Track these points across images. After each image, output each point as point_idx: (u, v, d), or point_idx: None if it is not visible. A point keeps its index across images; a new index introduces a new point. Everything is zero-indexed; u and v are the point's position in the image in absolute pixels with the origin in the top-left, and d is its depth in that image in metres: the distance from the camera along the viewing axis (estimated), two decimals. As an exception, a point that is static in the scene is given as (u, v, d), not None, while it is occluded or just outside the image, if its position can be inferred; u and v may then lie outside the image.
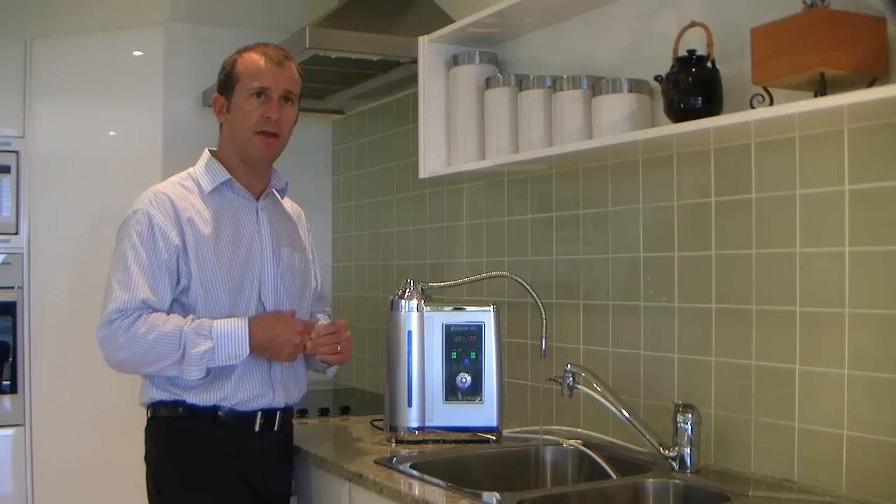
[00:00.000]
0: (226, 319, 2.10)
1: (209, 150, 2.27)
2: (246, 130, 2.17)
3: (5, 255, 3.56)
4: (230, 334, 2.07)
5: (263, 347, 2.11)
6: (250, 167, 2.23)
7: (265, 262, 2.20)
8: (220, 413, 2.12)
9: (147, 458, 2.19)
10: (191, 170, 2.24)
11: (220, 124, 2.25)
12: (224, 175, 2.20)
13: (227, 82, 2.19)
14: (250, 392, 2.14)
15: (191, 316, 2.10)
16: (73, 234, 3.59)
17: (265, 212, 2.24)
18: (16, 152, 3.57)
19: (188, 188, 2.19)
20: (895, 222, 1.67)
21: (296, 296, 2.27)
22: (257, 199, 2.24)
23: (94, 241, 3.56)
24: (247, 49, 2.21)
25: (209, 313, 2.11)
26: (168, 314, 2.09)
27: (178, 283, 2.12)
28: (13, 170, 3.56)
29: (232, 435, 2.14)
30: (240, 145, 2.19)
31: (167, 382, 2.12)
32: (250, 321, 2.10)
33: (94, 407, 3.46)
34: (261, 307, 2.18)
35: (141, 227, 2.11)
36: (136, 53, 3.61)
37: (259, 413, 2.16)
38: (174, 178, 2.23)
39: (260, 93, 2.15)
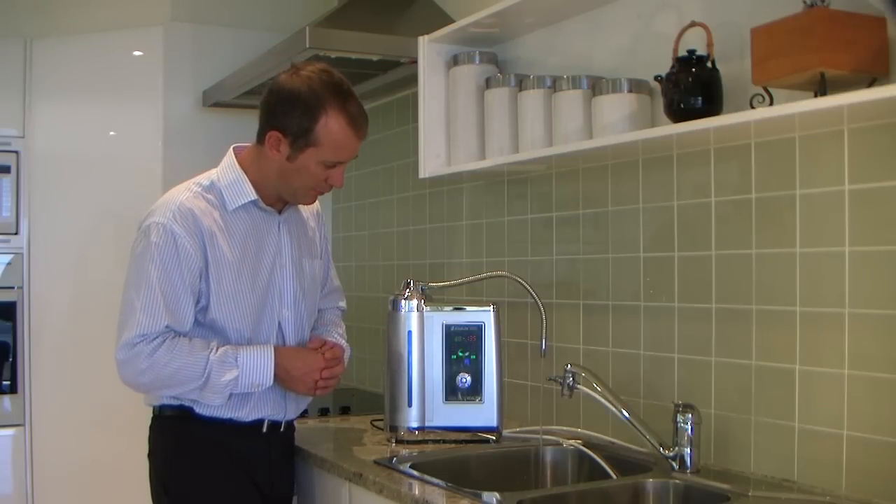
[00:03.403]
0: (251, 347, 2.07)
1: (234, 154, 2.15)
2: (304, 186, 2.09)
3: (5, 255, 3.56)
4: (256, 363, 2.05)
5: (281, 378, 2.10)
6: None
7: (285, 278, 2.16)
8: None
9: (152, 455, 2.18)
10: (214, 177, 2.13)
11: (259, 138, 2.09)
12: (251, 195, 2.10)
13: (301, 137, 2.00)
14: (262, 412, 2.14)
15: (214, 343, 2.05)
16: (73, 234, 3.60)
17: (286, 225, 2.19)
18: (16, 152, 3.58)
19: (211, 201, 2.09)
20: (895, 222, 1.67)
21: (313, 307, 2.26)
22: (279, 212, 2.18)
23: (94, 241, 3.58)
24: (335, 103, 2.00)
25: (232, 331, 2.09)
26: (191, 339, 2.05)
27: (197, 302, 2.07)
28: (13, 170, 3.57)
29: (239, 436, 2.13)
30: (288, 189, 2.10)
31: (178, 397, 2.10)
32: (276, 351, 2.08)
33: (94, 407, 3.47)
34: (279, 329, 2.15)
35: (164, 245, 2.02)
36: (136, 53, 3.61)
37: (266, 420, 2.16)
38: (195, 188, 2.10)
39: (334, 165, 2.07)
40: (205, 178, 2.14)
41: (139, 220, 2.12)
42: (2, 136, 3.58)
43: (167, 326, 2.02)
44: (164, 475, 2.14)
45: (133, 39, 3.60)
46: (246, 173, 2.12)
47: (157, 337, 2.01)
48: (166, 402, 2.12)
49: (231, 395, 2.07)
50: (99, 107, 3.62)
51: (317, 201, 2.35)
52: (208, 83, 3.50)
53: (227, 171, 2.13)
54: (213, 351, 2.03)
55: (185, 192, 2.10)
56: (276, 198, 2.16)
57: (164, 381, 2.03)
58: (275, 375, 2.08)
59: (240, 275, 2.09)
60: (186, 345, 2.03)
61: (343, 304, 2.46)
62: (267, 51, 3.06)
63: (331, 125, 2.01)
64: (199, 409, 2.09)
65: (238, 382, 2.04)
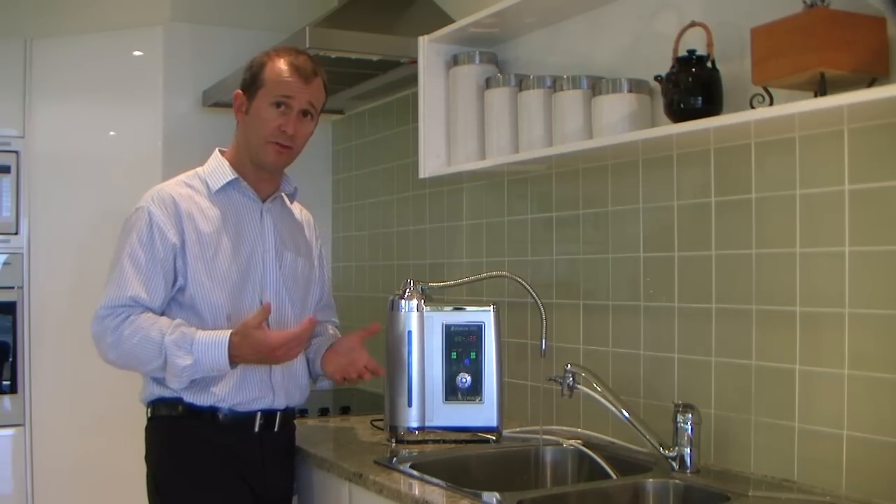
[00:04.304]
0: (208, 332, 2.06)
1: (219, 150, 2.26)
2: (260, 137, 2.15)
3: (5, 255, 3.56)
4: (210, 350, 2.03)
5: (248, 361, 2.09)
6: (260, 169, 2.22)
7: (267, 264, 2.19)
8: (219, 413, 2.12)
9: (147, 457, 2.19)
10: (199, 169, 2.24)
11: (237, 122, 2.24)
12: (231, 174, 2.19)
13: (252, 84, 2.16)
14: (249, 395, 2.14)
15: (176, 321, 2.06)
16: (73, 234, 3.59)
17: (270, 214, 2.23)
18: (16, 152, 3.58)
19: (194, 187, 2.18)
20: (895, 222, 1.67)
21: (298, 301, 2.26)
22: (264, 201, 2.23)
23: (94, 241, 3.57)
24: (278, 53, 2.18)
25: (209, 313, 2.11)
26: (160, 315, 2.08)
27: (175, 282, 2.11)
28: (13, 170, 3.57)
29: (231, 435, 2.13)
30: (252, 149, 2.18)
31: (167, 388, 2.11)
32: (232, 336, 2.05)
33: (94, 407, 3.47)
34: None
35: (140, 225, 2.11)
36: (136, 53, 3.61)
37: (259, 413, 2.16)
38: (181, 177, 2.22)
39: (281, 104, 2.13)
40: (190, 172, 2.24)
41: None
42: (2, 136, 3.57)
43: (132, 298, 2.06)
44: (156, 476, 2.16)
45: (133, 39, 3.60)
46: (229, 162, 2.22)
47: (122, 310, 2.05)
48: (157, 394, 2.13)
49: (192, 380, 2.06)
50: (99, 107, 3.62)
51: (310, 215, 2.41)
52: (208, 83, 3.50)
53: (210, 162, 2.25)
54: (172, 331, 2.03)
55: (168, 182, 2.22)
56: (256, 176, 2.21)
57: (127, 357, 2.06)
58: (234, 362, 2.05)
59: (217, 251, 2.13)
60: (149, 321, 2.05)
61: (336, 320, 2.51)
62: (267, 51, 3.06)
63: (274, 66, 2.16)
64: (188, 398, 2.10)
65: (195, 368, 2.04)
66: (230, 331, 2.06)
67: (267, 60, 2.17)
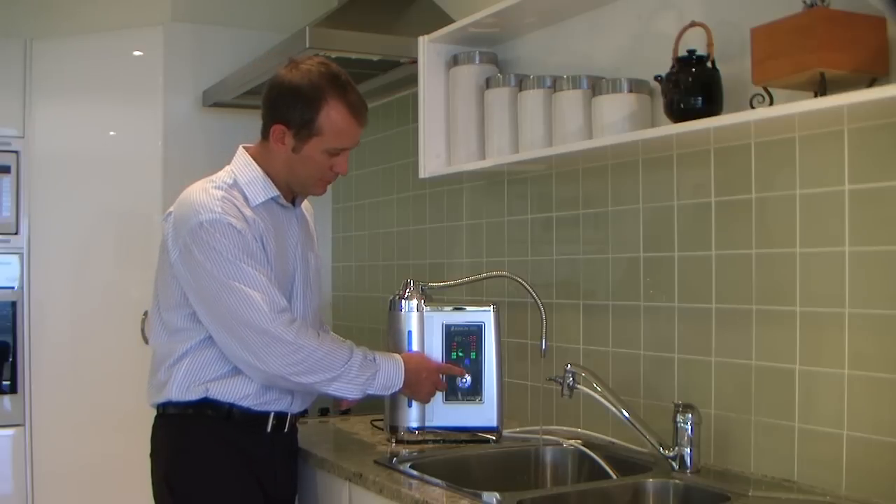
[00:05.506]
0: (381, 353, 2.17)
1: (245, 149, 2.17)
2: (310, 177, 2.13)
3: (5, 255, 3.57)
4: (390, 367, 2.14)
5: (410, 383, 2.17)
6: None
7: (297, 269, 2.19)
8: (234, 411, 2.11)
9: (155, 454, 2.17)
10: (233, 175, 2.12)
11: (263, 134, 2.14)
12: (272, 191, 2.13)
13: (303, 126, 2.05)
14: (270, 396, 2.13)
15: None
16: (73, 234, 3.60)
17: (297, 220, 2.23)
18: (16, 152, 3.58)
19: (235, 197, 2.08)
20: (895, 222, 1.67)
21: (317, 299, 2.28)
22: (293, 206, 2.22)
23: (95, 241, 3.58)
24: (335, 94, 2.05)
25: None
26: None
27: None
28: (13, 170, 3.58)
29: (244, 434, 2.12)
30: (296, 180, 2.14)
31: (193, 382, 2.08)
32: (404, 361, 2.17)
33: (94, 407, 3.47)
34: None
35: (231, 235, 2.01)
36: (136, 53, 3.62)
37: (272, 414, 2.15)
38: (217, 182, 2.10)
39: (338, 153, 2.11)
40: (226, 175, 2.13)
41: (166, 218, 2.13)
42: (2, 136, 3.58)
43: (285, 306, 2.06)
44: (168, 475, 2.14)
45: (133, 39, 3.60)
46: (265, 172, 2.14)
47: (289, 315, 2.05)
48: (174, 398, 2.10)
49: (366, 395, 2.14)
50: (99, 107, 3.62)
51: (309, 204, 2.38)
52: (208, 83, 3.50)
53: (246, 169, 2.14)
54: (355, 346, 2.13)
55: (215, 191, 2.07)
56: (287, 191, 2.18)
57: (311, 365, 2.04)
58: (404, 380, 2.16)
59: (274, 267, 2.10)
60: (321, 333, 2.13)
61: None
62: (267, 51, 3.06)
63: (332, 114, 2.06)
64: (212, 391, 2.07)
65: (374, 380, 2.10)
66: (399, 355, 2.20)
67: (323, 103, 2.05)
